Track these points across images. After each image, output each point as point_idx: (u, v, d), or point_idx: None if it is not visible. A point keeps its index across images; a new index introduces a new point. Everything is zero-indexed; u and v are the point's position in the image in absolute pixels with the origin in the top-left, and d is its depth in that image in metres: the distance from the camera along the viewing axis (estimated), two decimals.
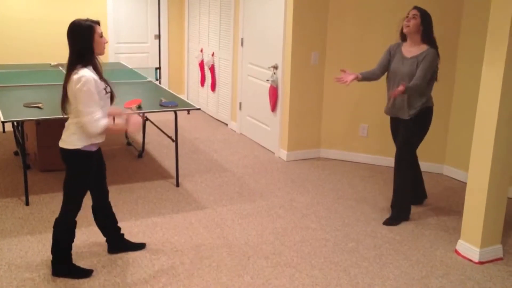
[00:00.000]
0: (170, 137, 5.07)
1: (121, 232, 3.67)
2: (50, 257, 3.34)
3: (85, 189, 3.22)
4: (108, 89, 3.17)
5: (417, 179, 4.51)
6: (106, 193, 3.44)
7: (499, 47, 3.37)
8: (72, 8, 7.38)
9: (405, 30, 4.07)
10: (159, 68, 7.38)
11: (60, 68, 6.37)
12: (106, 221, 3.52)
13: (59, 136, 3.16)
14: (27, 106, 4.47)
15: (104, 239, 3.64)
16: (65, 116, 3.17)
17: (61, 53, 6.95)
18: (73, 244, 3.31)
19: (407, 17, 4.05)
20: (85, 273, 3.30)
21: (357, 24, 5.46)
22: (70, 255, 3.29)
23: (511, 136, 3.55)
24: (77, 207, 3.21)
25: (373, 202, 4.68)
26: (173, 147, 5.25)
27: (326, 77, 5.70)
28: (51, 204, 4.35)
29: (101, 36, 3.08)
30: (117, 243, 3.61)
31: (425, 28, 4.01)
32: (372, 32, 5.41)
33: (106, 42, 3.14)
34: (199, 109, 5.00)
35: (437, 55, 4.03)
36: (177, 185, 4.87)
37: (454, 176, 5.36)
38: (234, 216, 4.28)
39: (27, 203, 4.33)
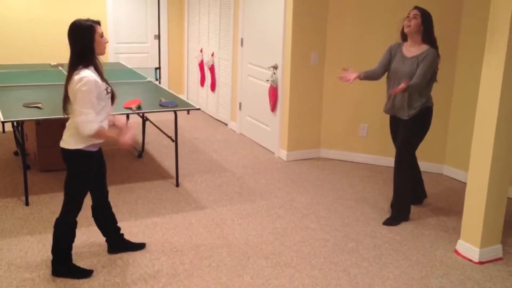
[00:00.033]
0: (170, 137, 5.07)
1: (121, 232, 3.67)
2: (50, 257, 3.34)
3: (85, 189, 3.22)
4: (109, 90, 3.17)
5: (416, 179, 4.51)
6: (106, 193, 3.44)
7: (499, 47, 3.37)
8: (72, 8, 7.38)
9: (406, 30, 4.08)
10: (159, 68, 7.38)
11: (60, 68, 6.37)
12: (106, 221, 3.52)
13: (59, 136, 3.16)
14: (26, 106, 4.47)
15: (104, 239, 3.64)
16: (66, 116, 3.17)
17: (61, 53, 6.97)
18: (73, 244, 3.31)
19: (408, 17, 4.06)
20: (85, 273, 3.30)
21: (357, 24, 5.46)
22: (70, 255, 3.29)
23: (511, 135, 3.55)
24: (78, 207, 3.21)
25: (373, 202, 4.68)
26: (173, 147, 5.25)
27: (326, 77, 5.70)
28: (51, 204, 4.35)
29: (102, 36, 3.08)
30: (117, 243, 3.61)
31: (425, 28, 4.01)
32: (372, 32, 5.41)
33: (107, 42, 3.14)
34: (199, 109, 5.00)
35: (438, 55, 4.03)
36: (177, 185, 4.87)
37: (454, 176, 5.36)
38: (234, 216, 4.28)
39: (27, 203, 4.33)
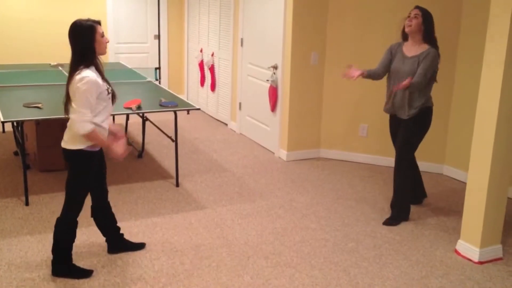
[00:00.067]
0: (170, 137, 5.07)
1: (121, 232, 3.67)
2: (50, 257, 3.34)
3: (86, 189, 3.22)
4: (110, 90, 3.17)
5: (416, 179, 4.51)
6: (105, 193, 3.44)
7: (499, 47, 3.37)
8: (72, 8, 7.38)
9: (407, 30, 4.08)
10: (159, 68, 7.38)
11: (60, 68, 6.37)
12: (106, 221, 3.52)
13: (59, 136, 3.16)
14: (26, 106, 4.47)
15: (104, 239, 3.64)
16: (67, 116, 3.17)
17: (61, 53, 6.97)
18: (73, 244, 3.31)
19: (408, 16, 4.07)
20: (85, 273, 3.30)
21: (357, 24, 5.46)
22: (71, 255, 3.29)
23: (511, 135, 3.55)
24: (79, 207, 3.21)
25: (373, 202, 4.68)
26: (173, 147, 5.25)
27: (326, 77, 5.70)
28: (50, 204, 4.35)
29: (103, 36, 3.08)
30: (117, 243, 3.61)
31: (426, 27, 4.02)
32: (372, 32, 5.41)
33: (108, 42, 3.14)
34: (199, 109, 5.00)
35: (438, 55, 4.04)
36: (177, 185, 4.87)
37: (454, 176, 5.36)
38: (234, 216, 4.28)
39: (26, 203, 4.33)
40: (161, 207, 4.40)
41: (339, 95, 5.67)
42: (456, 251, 3.80)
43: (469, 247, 3.71)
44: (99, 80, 3.05)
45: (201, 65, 7.60)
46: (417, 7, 4.06)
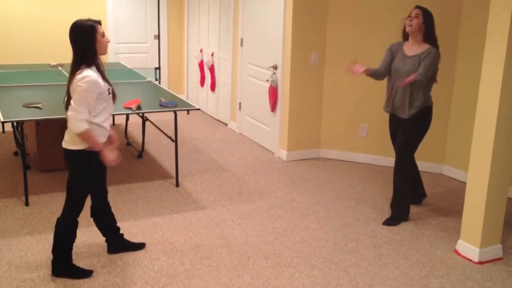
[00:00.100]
0: (169, 137, 5.07)
1: (121, 232, 3.67)
2: (50, 257, 3.34)
3: (86, 189, 3.22)
4: (111, 90, 3.17)
5: (416, 179, 4.51)
6: (105, 193, 3.44)
7: (498, 47, 3.37)
8: (72, 8, 7.38)
9: (407, 29, 4.08)
10: (159, 68, 7.38)
11: (60, 68, 6.37)
12: (105, 221, 3.52)
13: (58, 136, 3.17)
14: (26, 106, 4.46)
15: (104, 239, 3.64)
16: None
17: (61, 53, 6.98)
18: (73, 244, 3.31)
19: (409, 16, 4.07)
20: (85, 273, 3.30)
21: (357, 24, 5.46)
22: (71, 255, 3.29)
23: (511, 135, 3.55)
24: (79, 207, 3.21)
25: (373, 202, 4.68)
26: (173, 147, 5.25)
27: (326, 77, 5.70)
28: (50, 204, 4.35)
29: (103, 36, 3.08)
30: (117, 243, 3.61)
31: (427, 27, 4.03)
32: (372, 32, 5.41)
33: (108, 42, 3.14)
34: (198, 109, 5.00)
35: (439, 54, 4.04)
36: (177, 185, 4.87)
37: (454, 176, 5.36)
38: (234, 216, 4.28)
39: (26, 203, 4.33)
40: (161, 207, 4.40)
41: (339, 95, 5.67)
42: (456, 251, 3.80)
43: (469, 247, 3.71)
44: (100, 80, 3.05)
45: (201, 65, 7.60)
46: (417, 6, 4.06)
